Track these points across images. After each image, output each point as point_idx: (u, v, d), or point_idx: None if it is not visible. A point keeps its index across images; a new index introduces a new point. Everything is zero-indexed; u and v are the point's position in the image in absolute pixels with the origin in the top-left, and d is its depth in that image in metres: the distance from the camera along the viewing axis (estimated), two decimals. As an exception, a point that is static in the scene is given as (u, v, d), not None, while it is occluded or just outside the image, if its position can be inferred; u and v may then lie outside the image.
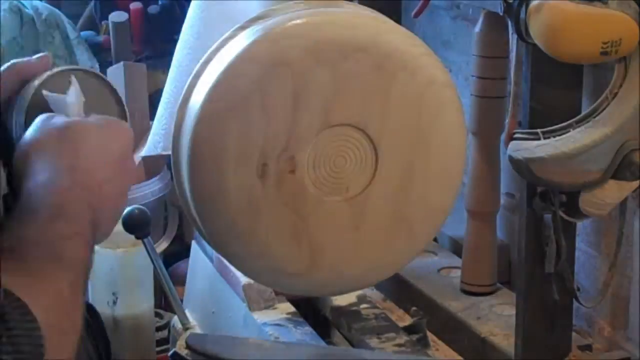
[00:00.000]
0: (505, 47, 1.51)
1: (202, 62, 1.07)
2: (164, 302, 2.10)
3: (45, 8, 2.37)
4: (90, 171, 0.86)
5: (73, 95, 0.89)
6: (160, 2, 2.53)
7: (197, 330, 1.76)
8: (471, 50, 1.65)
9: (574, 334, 1.52)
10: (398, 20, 1.71)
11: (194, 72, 1.08)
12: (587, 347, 1.54)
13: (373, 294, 1.77)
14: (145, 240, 1.71)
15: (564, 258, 1.42)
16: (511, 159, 1.36)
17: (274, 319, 1.64)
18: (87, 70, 0.95)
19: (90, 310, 0.94)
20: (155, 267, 1.77)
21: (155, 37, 2.47)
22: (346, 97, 0.96)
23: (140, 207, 1.70)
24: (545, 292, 1.44)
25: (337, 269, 0.99)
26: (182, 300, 1.91)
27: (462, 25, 1.85)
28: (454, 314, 1.63)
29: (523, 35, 1.31)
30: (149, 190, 2.11)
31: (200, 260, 1.90)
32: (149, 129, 2.20)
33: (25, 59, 0.95)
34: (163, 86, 2.10)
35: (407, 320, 1.63)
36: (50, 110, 0.89)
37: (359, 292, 1.69)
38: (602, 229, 1.56)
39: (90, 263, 0.83)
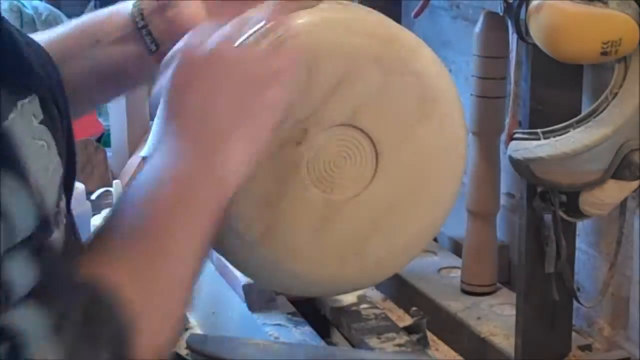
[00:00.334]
0: (505, 47, 1.52)
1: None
2: (164, 302, 2.10)
3: (45, 8, 2.37)
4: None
5: None
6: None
7: (197, 330, 1.75)
8: (471, 50, 1.65)
9: (574, 334, 1.52)
10: (398, 20, 1.72)
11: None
12: (587, 347, 1.54)
13: (373, 294, 1.77)
14: (145, 240, 1.71)
15: (564, 258, 1.42)
16: (511, 159, 1.36)
17: (274, 319, 1.64)
18: None
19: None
20: (155, 267, 1.77)
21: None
22: (377, 109, 0.95)
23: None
24: (545, 292, 1.44)
25: (284, 256, 0.97)
26: (182, 300, 1.90)
27: (462, 25, 1.85)
28: (454, 314, 1.63)
29: (523, 35, 1.31)
30: (149, 190, 2.11)
31: (200, 260, 1.90)
32: (149, 129, 2.20)
33: None
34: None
35: (407, 320, 1.63)
36: None
37: (359, 292, 1.69)
38: (602, 229, 1.56)
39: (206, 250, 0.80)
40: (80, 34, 1.05)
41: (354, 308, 1.66)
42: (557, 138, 1.32)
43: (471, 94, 1.66)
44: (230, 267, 1.14)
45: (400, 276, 1.72)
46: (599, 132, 1.30)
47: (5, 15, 0.87)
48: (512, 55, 1.39)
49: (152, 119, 2.21)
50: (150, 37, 1.01)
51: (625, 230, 1.42)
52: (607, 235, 1.54)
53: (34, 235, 0.72)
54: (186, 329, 1.78)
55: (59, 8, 2.43)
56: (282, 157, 0.94)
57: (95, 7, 2.49)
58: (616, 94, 1.30)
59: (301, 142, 0.94)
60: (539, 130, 1.34)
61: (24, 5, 2.34)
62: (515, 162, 1.36)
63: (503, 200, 1.73)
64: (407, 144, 0.96)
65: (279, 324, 1.62)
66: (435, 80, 0.97)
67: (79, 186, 1.79)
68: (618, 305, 1.54)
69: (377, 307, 1.68)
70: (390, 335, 1.56)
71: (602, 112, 1.31)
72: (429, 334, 1.58)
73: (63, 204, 0.81)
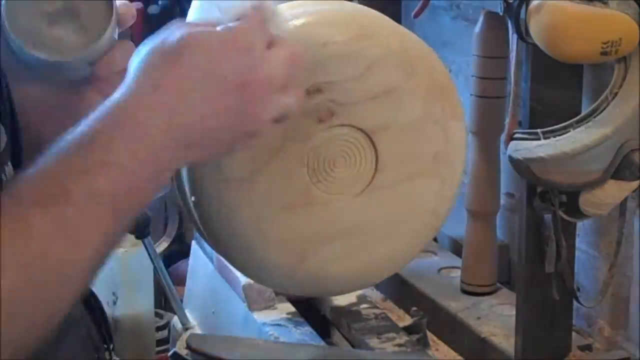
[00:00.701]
0: (505, 47, 1.52)
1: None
2: (164, 302, 2.10)
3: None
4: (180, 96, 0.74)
5: None
6: (160, 2, 2.53)
7: (197, 330, 1.76)
8: (471, 50, 1.65)
9: (574, 334, 1.52)
10: (398, 20, 1.71)
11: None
12: (587, 347, 1.54)
13: (373, 294, 1.77)
14: (145, 240, 1.72)
15: (564, 258, 1.42)
16: (511, 159, 1.36)
17: (274, 319, 1.64)
18: None
19: (91, 294, 0.89)
20: (155, 267, 1.78)
21: (155, 37, 2.48)
22: (397, 137, 0.95)
23: (140, 207, 1.70)
24: (545, 292, 1.44)
25: (253, 233, 0.96)
26: (182, 300, 1.91)
27: (462, 25, 1.85)
28: (454, 314, 1.63)
29: (523, 35, 1.31)
30: (149, 190, 2.11)
31: (200, 260, 1.90)
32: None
33: None
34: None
35: (407, 320, 1.64)
36: None
37: (359, 292, 1.69)
38: (602, 229, 1.56)
39: (138, 196, 0.73)
40: None
41: (354, 308, 1.66)
42: (557, 138, 1.32)
43: (471, 94, 1.66)
44: (231, 267, 1.14)
45: (400, 276, 1.72)
46: (599, 132, 1.30)
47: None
48: (512, 55, 1.39)
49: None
50: None
51: (625, 230, 1.42)
52: (607, 235, 1.54)
53: None
54: (186, 329, 1.78)
55: None
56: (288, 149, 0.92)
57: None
58: (616, 94, 1.30)
59: (323, 121, 0.93)
60: (539, 130, 1.34)
61: None
62: (515, 162, 1.36)
63: (503, 200, 1.73)
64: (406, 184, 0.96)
65: (279, 324, 1.62)
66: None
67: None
68: (618, 305, 1.54)
69: (377, 307, 1.68)
70: (390, 335, 1.56)
71: (602, 112, 1.31)
72: (429, 334, 1.58)
73: (9, 170, 0.77)
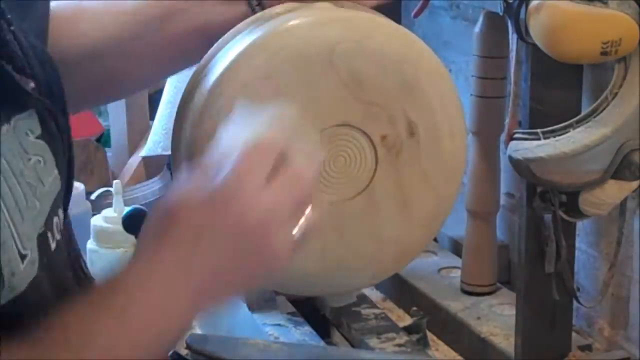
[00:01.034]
0: (505, 47, 1.51)
1: (206, 59, 1.06)
2: (164, 302, 2.10)
3: (45, 8, 2.37)
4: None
5: None
6: (160, 2, 2.52)
7: (197, 330, 1.76)
8: (471, 50, 1.65)
9: (574, 334, 1.52)
10: (398, 20, 1.71)
11: (195, 69, 1.07)
12: (587, 347, 1.54)
13: (373, 294, 1.77)
14: (145, 240, 1.71)
15: (564, 258, 1.42)
16: (511, 159, 1.36)
17: (274, 319, 1.64)
18: None
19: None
20: (155, 267, 1.77)
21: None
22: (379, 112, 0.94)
23: (140, 207, 1.69)
24: (545, 292, 1.44)
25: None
26: (182, 300, 1.90)
27: (462, 25, 1.85)
28: (454, 314, 1.63)
29: (523, 35, 1.31)
30: (149, 190, 2.11)
31: (200, 260, 1.90)
32: (149, 129, 2.20)
33: None
34: (163, 86, 2.11)
35: (407, 320, 1.63)
36: None
37: (359, 292, 1.69)
38: (602, 229, 1.56)
39: None
40: None
41: (354, 308, 1.66)
42: (557, 138, 1.32)
43: (471, 94, 1.66)
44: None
45: (400, 276, 1.72)
46: (599, 132, 1.30)
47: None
48: (512, 55, 1.39)
49: (152, 118, 2.21)
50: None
51: (625, 230, 1.42)
52: (607, 235, 1.54)
53: None
54: (186, 329, 1.78)
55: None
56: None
57: None
58: (616, 94, 1.30)
59: (413, 134, 0.93)
60: (539, 130, 1.34)
61: None
62: (515, 162, 1.36)
63: (503, 200, 1.73)
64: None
65: (279, 324, 1.62)
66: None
67: (78, 186, 1.79)
68: (618, 305, 1.54)
69: (377, 307, 1.68)
70: (390, 335, 1.56)
71: (602, 112, 1.31)
72: (429, 334, 1.58)
73: (58, 220, 0.80)
